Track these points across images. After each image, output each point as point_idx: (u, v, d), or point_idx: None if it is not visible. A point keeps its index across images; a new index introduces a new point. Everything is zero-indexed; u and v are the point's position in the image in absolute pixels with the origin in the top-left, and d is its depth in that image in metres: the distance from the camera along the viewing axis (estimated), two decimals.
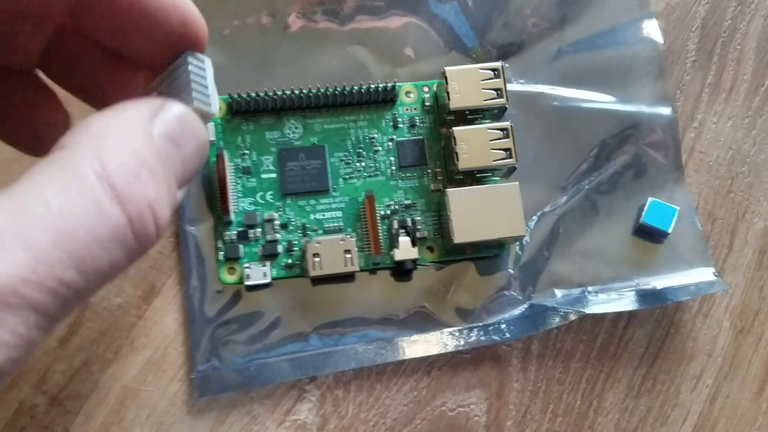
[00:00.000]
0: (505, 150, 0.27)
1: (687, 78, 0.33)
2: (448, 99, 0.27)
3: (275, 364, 0.26)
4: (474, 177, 0.27)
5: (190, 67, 0.17)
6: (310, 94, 0.27)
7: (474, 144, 0.26)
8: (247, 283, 0.26)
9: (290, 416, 0.27)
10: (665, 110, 0.31)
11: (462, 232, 0.26)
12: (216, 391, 0.26)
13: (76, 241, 0.13)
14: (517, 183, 0.27)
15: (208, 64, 0.18)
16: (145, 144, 0.14)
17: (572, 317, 0.27)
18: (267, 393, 0.27)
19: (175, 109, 0.16)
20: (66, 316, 0.14)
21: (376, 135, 0.29)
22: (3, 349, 0.12)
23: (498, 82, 0.27)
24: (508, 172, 0.27)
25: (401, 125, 0.29)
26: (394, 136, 0.29)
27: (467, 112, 0.27)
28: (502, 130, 0.27)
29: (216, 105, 0.18)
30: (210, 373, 0.26)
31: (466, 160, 0.26)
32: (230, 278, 0.27)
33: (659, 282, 0.29)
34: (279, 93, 0.27)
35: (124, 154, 0.14)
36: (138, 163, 0.14)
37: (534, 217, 0.29)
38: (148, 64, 0.18)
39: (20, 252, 0.12)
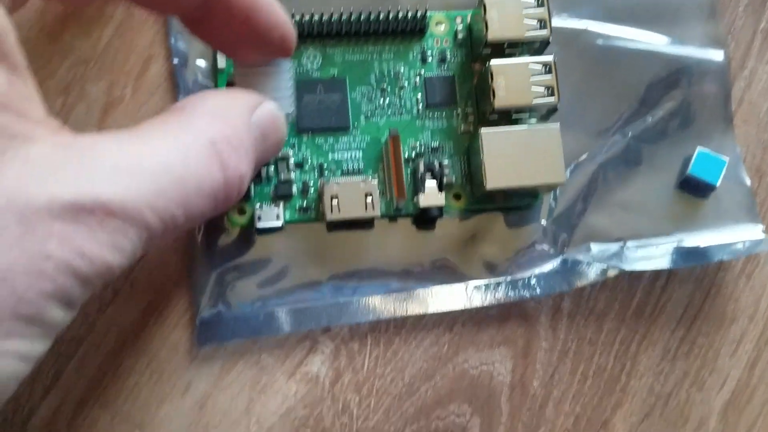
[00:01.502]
0: (547, 87, 0.24)
1: (739, 23, 0.30)
2: (486, 29, 0.24)
3: (286, 312, 0.24)
4: (509, 118, 0.25)
5: (286, 75, 0.21)
6: (331, 21, 0.25)
7: (513, 80, 0.24)
8: (258, 225, 0.24)
9: (301, 368, 0.25)
10: (716, 55, 0.28)
11: (495, 177, 0.24)
12: (222, 339, 0.24)
13: (187, 188, 0.16)
14: (558, 125, 0.24)
15: (292, 71, 0.22)
16: (245, 129, 0.18)
17: (610, 273, 0.25)
18: (277, 343, 0.25)
19: (269, 107, 0.19)
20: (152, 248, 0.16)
21: (402, 69, 0.26)
22: (119, 254, 0.14)
23: (541, 12, 0.24)
24: (548, 114, 0.25)
25: (430, 59, 0.26)
26: (422, 72, 0.26)
27: (505, 46, 0.25)
28: (544, 65, 0.24)
29: (293, 106, 0.22)
30: (215, 319, 0.24)
31: (503, 98, 0.24)
32: (240, 219, 0.25)
33: (703, 239, 0.27)
34: (296, 18, 0.25)
35: (231, 131, 0.17)
36: (238, 142, 0.17)
37: (570, 166, 0.27)
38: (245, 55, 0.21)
39: (150, 183, 0.15)
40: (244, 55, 0.21)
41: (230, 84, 0.24)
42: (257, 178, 0.25)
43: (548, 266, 0.26)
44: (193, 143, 0.16)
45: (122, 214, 0.14)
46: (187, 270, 0.25)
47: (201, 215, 0.16)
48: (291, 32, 0.20)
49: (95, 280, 0.14)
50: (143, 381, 0.24)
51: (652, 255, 0.26)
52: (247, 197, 0.25)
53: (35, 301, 0.13)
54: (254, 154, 0.18)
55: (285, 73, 0.21)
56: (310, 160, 0.25)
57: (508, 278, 0.26)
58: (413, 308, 0.25)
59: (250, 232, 0.25)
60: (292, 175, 0.25)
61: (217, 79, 0.25)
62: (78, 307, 0.14)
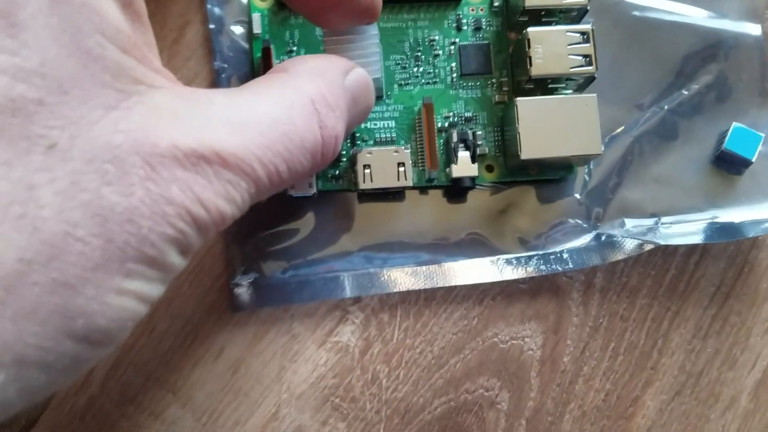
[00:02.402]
0: (585, 57, 0.24)
1: None
2: None
3: (318, 281, 0.24)
4: (545, 88, 0.25)
5: (373, 41, 0.22)
6: None
7: (550, 48, 0.23)
8: (291, 193, 0.24)
9: (332, 337, 0.25)
10: (753, 29, 0.28)
11: (531, 147, 0.23)
12: (255, 305, 0.24)
13: (293, 143, 0.16)
14: (595, 95, 0.24)
15: (378, 37, 0.22)
16: (341, 91, 0.18)
17: (645, 248, 0.25)
18: (308, 311, 0.25)
19: (361, 72, 0.20)
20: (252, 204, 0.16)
21: (436, 37, 0.26)
22: (232, 205, 0.15)
23: None
24: (585, 84, 0.25)
25: (465, 27, 0.26)
26: (457, 40, 0.26)
27: (543, 13, 0.24)
28: (582, 33, 0.24)
29: (380, 72, 0.23)
30: (249, 286, 0.24)
31: (540, 66, 0.23)
32: None
33: (737, 215, 0.26)
34: None
35: (328, 92, 0.17)
36: (335, 103, 0.18)
37: (605, 139, 0.26)
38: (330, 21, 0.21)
39: (259, 137, 0.15)
40: (333, 20, 0.21)
41: (266, 50, 0.24)
42: None
43: (581, 241, 0.26)
44: (296, 101, 0.16)
45: (236, 166, 0.14)
46: (221, 236, 0.25)
47: (301, 173, 0.17)
48: None
49: (210, 229, 0.14)
50: (177, 345, 0.24)
51: (686, 231, 0.25)
52: None
53: (158, 243, 0.13)
54: (347, 117, 0.18)
55: (372, 39, 0.22)
56: None
57: (540, 252, 0.25)
58: (443, 280, 0.25)
59: (283, 200, 0.25)
60: None
61: (252, 44, 0.25)
62: (191, 255, 0.15)
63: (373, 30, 0.22)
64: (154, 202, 0.13)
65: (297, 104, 0.16)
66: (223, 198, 0.14)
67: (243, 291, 0.24)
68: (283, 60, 0.25)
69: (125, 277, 0.13)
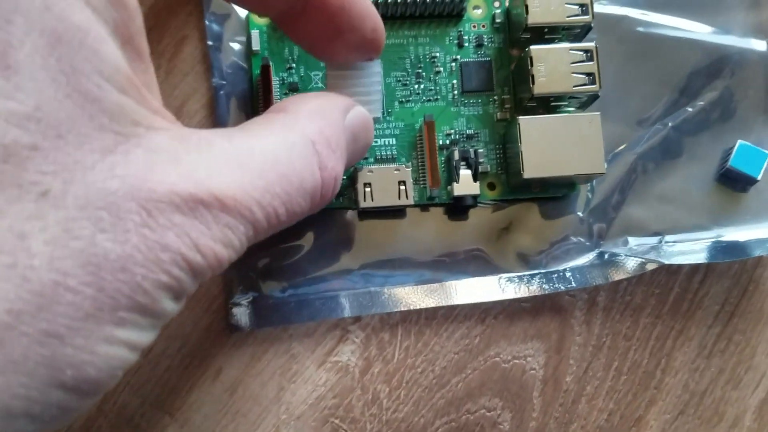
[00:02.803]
0: (588, 75, 0.23)
1: None
2: (526, 13, 0.23)
3: (317, 300, 0.24)
4: (548, 106, 0.24)
5: (376, 78, 0.21)
6: None
7: (553, 66, 0.23)
8: None
9: (332, 357, 0.24)
10: (758, 44, 0.28)
11: (533, 166, 0.23)
12: (253, 325, 0.24)
13: (292, 186, 0.16)
14: (599, 113, 0.24)
15: (381, 75, 0.22)
16: (341, 131, 0.18)
17: (649, 267, 0.24)
18: (307, 331, 0.24)
19: (361, 111, 0.20)
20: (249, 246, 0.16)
21: (438, 54, 0.25)
22: (229, 250, 0.14)
23: None
24: (588, 102, 0.24)
25: (467, 44, 0.26)
26: (458, 56, 0.25)
27: (546, 30, 0.24)
28: (585, 51, 0.23)
29: (381, 111, 0.22)
30: (247, 306, 0.24)
31: (543, 84, 0.23)
32: None
33: (742, 234, 0.26)
34: None
35: (329, 132, 0.17)
36: (336, 143, 0.17)
37: (608, 156, 0.26)
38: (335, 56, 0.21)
39: (258, 179, 0.15)
40: (336, 54, 0.21)
41: (264, 67, 0.24)
42: None
43: (584, 259, 0.25)
44: (296, 142, 0.16)
45: (234, 210, 0.14)
46: None
47: (299, 215, 0.17)
48: (381, 24, 0.20)
49: (206, 274, 0.14)
50: (174, 366, 0.24)
51: (690, 249, 0.25)
52: None
53: (151, 291, 0.13)
54: (346, 156, 0.18)
55: (374, 77, 0.21)
56: None
57: (543, 270, 0.25)
58: (445, 299, 0.25)
59: None
60: None
61: (251, 61, 0.25)
62: (184, 300, 0.14)
63: (376, 67, 0.21)
64: (149, 249, 0.13)
65: (297, 145, 0.16)
66: (220, 243, 0.14)
67: (241, 311, 0.24)
68: (282, 76, 0.25)
69: (116, 325, 0.13)
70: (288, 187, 0.16)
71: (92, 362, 0.12)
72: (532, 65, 0.23)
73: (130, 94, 0.14)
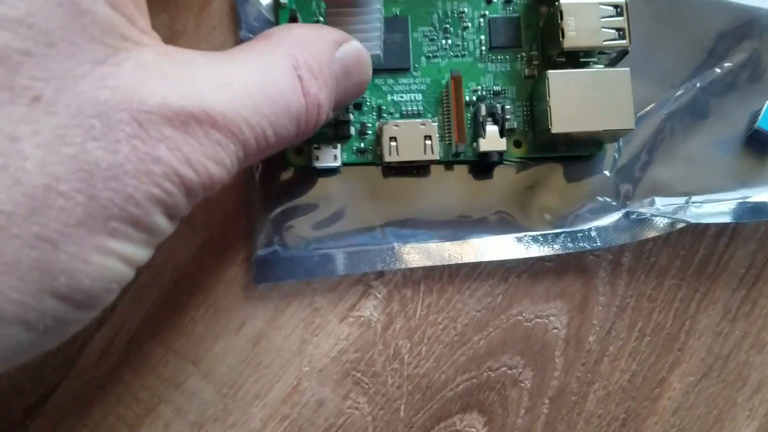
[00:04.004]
0: (618, 30, 0.23)
1: None
2: None
3: (341, 255, 0.24)
4: (577, 61, 0.24)
5: (376, 15, 0.21)
6: None
7: (583, 20, 0.23)
8: (316, 164, 0.24)
9: (354, 312, 0.24)
10: None
11: (561, 121, 0.23)
12: (277, 278, 0.24)
13: (278, 107, 0.16)
14: (628, 69, 0.23)
15: (381, 12, 0.21)
16: (326, 61, 0.18)
17: (677, 226, 0.24)
18: (330, 285, 0.24)
19: (355, 45, 0.19)
20: (239, 169, 0.16)
21: (466, 9, 0.25)
22: (221, 168, 0.15)
23: None
24: (617, 58, 0.24)
25: (495, 0, 0.25)
26: (487, 12, 0.25)
27: None
28: (615, 6, 0.23)
29: (380, 48, 0.22)
30: (271, 259, 0.24)
31: (572, 38, 0.23)
32: (298, 160, 0.24)
33: None
34: None
35: (312, 59, 0.17)
36: (319, 71, 0.17)
37: (636, 116, 0.26)
38: None
39: (246, 99, 0.15)
40: None
41: (292, 20, 0.24)
42: None
43: (610, 219, 0.25)
44: (278, 66, 0.16)
45: (224, 127, 0.14)
46: (244, 208, 0.24)
47: (286, 139, 0.17)
48: None
49: (198, 193, 0.14)
50: (198, 317, 0.24)
51: (717, 210, 0.25)
52: None
53: (143, 203, 0.13)
54: (334, 88, 0.18)
55: (374, 14, 0.21)
56: (368, 101, 0.25)
57: (568, 229, 0.25)
58: (468, 256, 0.24)
59: (307, 173, 0.24)
60: (351, 116, 0.24)
61: (278, 15, 0.24)
62: (178, 220, 0.14)
63: (376, 4, 0.21)
64: (140, 161, 0.13)
65: (280, 70, 0.16)
66: (212, 160, 0.14)
67: (265, 264, 0.24)
68: None
69: (109, 236, 0.13)
70: (275, 108, 0.16)
71: (85, 271, 0.12)
72: (561, 19, 0.23)
73: (120, 10, 0.14)
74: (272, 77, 0.16)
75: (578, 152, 0.25)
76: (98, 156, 0.12)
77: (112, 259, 0.13)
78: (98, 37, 0.13)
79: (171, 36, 0.25)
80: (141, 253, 0.14)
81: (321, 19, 0.25)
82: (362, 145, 0.25)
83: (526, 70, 0.25)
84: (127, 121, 0.13)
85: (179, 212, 0.14)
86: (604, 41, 0.23)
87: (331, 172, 0.25)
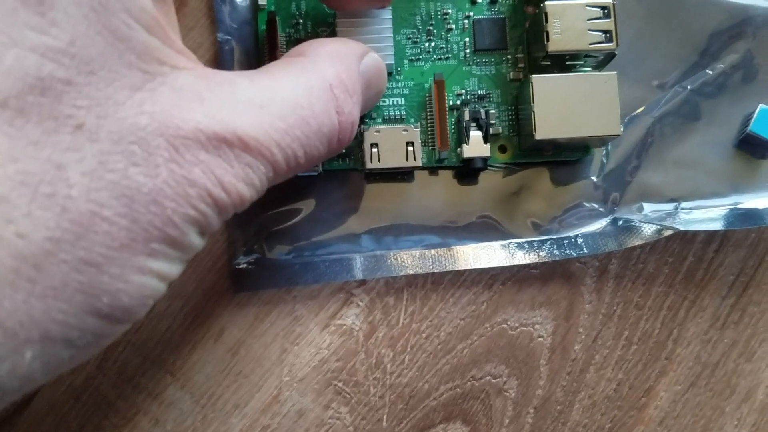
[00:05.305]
0: (605, 32, 0.22)
1: None
2: None
3: (322, 263, 0.24)
4: (563, 65, 0.23)
5: (386, 25, 0.22)
6: None
7: (569, 22, 0.22)
8: None
9: (336, 320, 0.24)
10: None
11: (546, 127, 0.22)
12: (256, 286, 0.23)
13: (310, 128, 0.16)
14: (615, 73, 0.23)
15: (391, 22, 0.22)
16: (357, 76, 0.18)
17: (665, 233, 0.24)
18: (311, 293, 0.24)
19: (375, 57, 0.20)
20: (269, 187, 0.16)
21: (450, 10, 0.25)
22: (251, 189, 0.15)
23: None
24: (604, 61, 0.23)
25: (480, 0, 0.25)
26: (471, 13, 0.25)
27: None
28: (602, 8, 0.22)
29: (392, 58, 0.23)
30: (251, 266, 0.23)
31: (557, 41, 0.22)
32: None
33: (761, 201, 0.25)
34: None
35: (347, 77, 0.17)
36: (353, 88, 0.18)
37: (625, 119, 0.25)
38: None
39: (279, 121, 0.15)
40: (347, 2, 0.21)
41: (271, 23, 0.23)
42: None
43: (597, 225, 0.25)
44: (315, 85, 0.17)
45: (255, 150, 0.15)
46: None
47: (317, 158, 0.17)
48: None
49: (229, 211, 0.15)
50: (176, 325, 0.23)
51: (707, 217, 0.24)
52: None
53: (180, 224, 0.14)
54: (361, 101, 0.18)
55: (385, 24, 0.22)
56: None
57: (554, 236, 0.24)
58: (452, 264, 0.24)
59: (288, 180, 0.24)
60: None
61: (257, 17, 0.24)
62: (208, 235, 0.15)
63: (386, 14, 0.22)
64: (177, 184, 0.13)
65: (316, 89, 0.16)
66: (242, 181, 0.15)
67: (245, 271, 0.23)
68: (288, 32, 0.24)
69: (148, 256, 0.13)
70: (307, 130, 0.16)
71: (126, 290, 0.13)
72: (546, 21, 0.22)
73: (156, 34, 0.14)
74: (308, 99, 0.16)
75: (565, 157, 0.25)
76: (139, 181, 0.13)
77: (151, 277, 0.13)
78: (135, 63, 0.13)
79: None
80: (176, 269, 0.14)
81: (301, 21, 0.24)
82: (343, 150, 0.24)
83: (512, 73, 0.25)
84: (164, 146, 0.13)
85: (211, 229, 0.15)
86: (591, 44, 0.22)
87: (312, 178, 0.24)
